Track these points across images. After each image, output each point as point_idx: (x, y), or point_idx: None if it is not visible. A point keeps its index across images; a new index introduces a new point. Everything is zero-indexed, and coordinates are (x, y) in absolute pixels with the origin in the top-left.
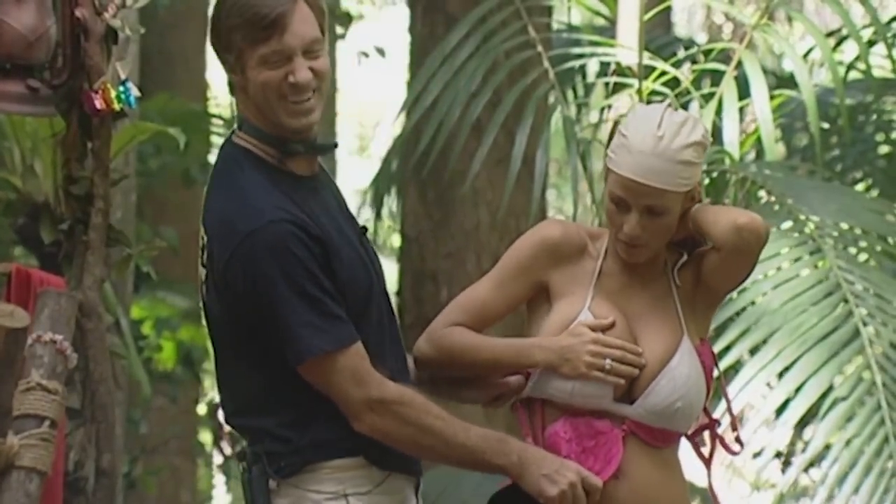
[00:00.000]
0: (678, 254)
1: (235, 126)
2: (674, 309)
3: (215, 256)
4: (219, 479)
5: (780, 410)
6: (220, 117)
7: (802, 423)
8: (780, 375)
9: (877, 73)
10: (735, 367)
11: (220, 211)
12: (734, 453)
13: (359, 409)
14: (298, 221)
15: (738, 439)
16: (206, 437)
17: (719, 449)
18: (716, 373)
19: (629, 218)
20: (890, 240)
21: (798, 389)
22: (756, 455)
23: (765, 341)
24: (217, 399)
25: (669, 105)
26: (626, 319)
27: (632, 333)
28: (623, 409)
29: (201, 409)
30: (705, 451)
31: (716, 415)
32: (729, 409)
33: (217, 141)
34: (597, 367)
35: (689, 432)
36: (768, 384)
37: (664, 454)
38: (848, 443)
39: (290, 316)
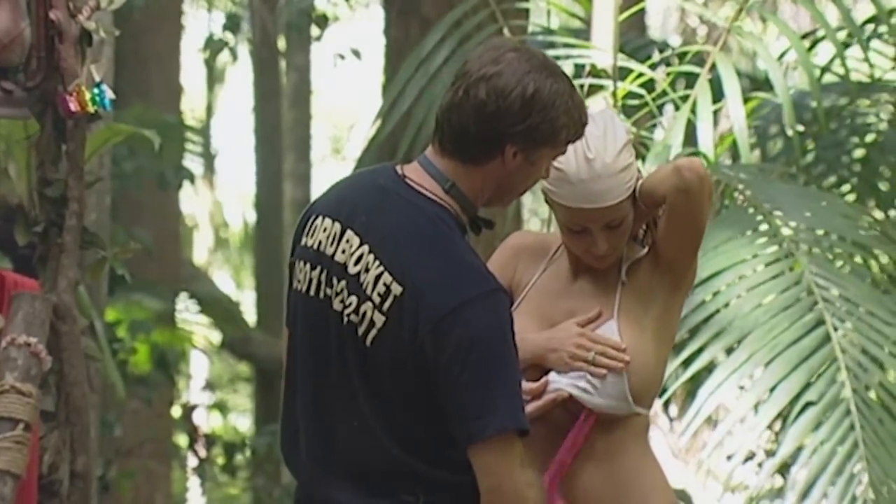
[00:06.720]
0: (638, 248)
1: (434, 182)
2: (612, 301)
3: (425, 310)
4: (193, 482)
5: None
6: (194, 129)
7: (773, 428)
8: (752, 379)
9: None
10: (707, 370)
11: (435, 268)
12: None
13: (525, 492)
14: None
15: None
16: (180, 439)
17: (696, 451)
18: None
19: (594, 240)
20: (863, 245)
21: (768, 393)
22: (729, 458)
23: (737, 344)
24: (192, 401)
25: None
26: (551, 320)
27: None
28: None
29: (176, 411)
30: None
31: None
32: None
33: (191, 148)
34: (581, 358)
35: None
36: (741, 387)
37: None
38: (817, 448)
39: (496, 387)
